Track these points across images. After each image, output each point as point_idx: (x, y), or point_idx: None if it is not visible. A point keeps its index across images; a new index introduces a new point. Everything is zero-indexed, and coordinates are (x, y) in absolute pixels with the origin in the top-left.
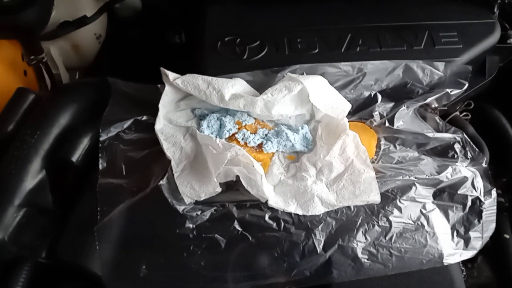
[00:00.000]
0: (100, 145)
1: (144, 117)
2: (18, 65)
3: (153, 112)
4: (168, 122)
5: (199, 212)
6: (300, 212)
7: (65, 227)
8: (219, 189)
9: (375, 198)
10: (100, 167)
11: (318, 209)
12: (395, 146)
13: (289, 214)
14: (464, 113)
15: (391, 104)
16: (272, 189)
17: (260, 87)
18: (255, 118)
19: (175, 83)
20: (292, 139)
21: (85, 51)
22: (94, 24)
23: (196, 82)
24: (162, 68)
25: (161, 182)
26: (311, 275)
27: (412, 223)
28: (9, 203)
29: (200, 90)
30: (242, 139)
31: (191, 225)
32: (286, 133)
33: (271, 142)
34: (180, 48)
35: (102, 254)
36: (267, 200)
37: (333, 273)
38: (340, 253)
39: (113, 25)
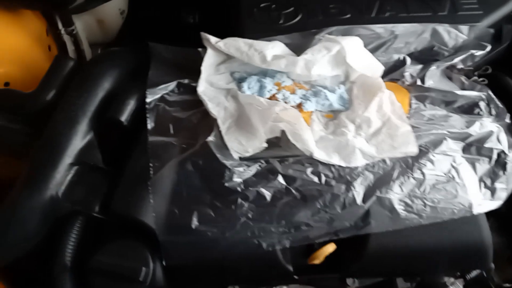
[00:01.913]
0: (147, 106)
1: (186, 80)
2: (43, 40)
3: (194, 75)
4: (209, 85)
5: (245, 167)
6: (343, 164)
7: (117, 182)
8: (265, 144)
9: (413, 149)
10: (149, 126)
11: (359, 161)
12: (424, 105)
13: (330, 168)
14: (481, 79)
15: (420, 66)
16: (315, 144)
17: (297, 49)
18: (293, 80)
19: (217, 45)
20: (330, 98)
21: (109, 26)
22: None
23: (237, 45)
24: (202, 33)
25: (208, 139)
26: (351, 226)
27: (444, 175)
28: (61, 161)
29: (242, 52)
30: (282, 99)
31: (238, 179)
32: (324, 93)
33: (310, 101)
34: (194, 29)
35: (155, 207)
36: (312, 154)
37: (371, 224)
38: (378, 204)
39: (132, 1)
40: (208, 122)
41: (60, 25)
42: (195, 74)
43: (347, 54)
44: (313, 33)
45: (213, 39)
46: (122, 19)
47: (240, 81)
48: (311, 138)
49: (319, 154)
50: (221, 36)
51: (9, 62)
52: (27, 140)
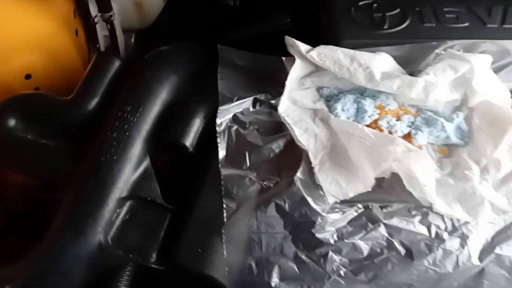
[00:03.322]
0: (217, 128)
1: (264, 96)
2: (70, 23)
3: (273, 88)
4: (292, 103)
5: (339, 214)
6: (468, 219)
7: (180, 224)
8: (370, 188)
9: None
10: (220, 155)
11: (487, 215)
12: None
13: (442, 218)
14: None
15: None
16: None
17: (406, 64)
18: (397, 102)
19: (309, 56)
20: (447, 128)
21: (148, 10)
22: None
23: (336, 56)
24: (288, 37)
25: (296, 175)
26: (459, 286)
27: None
28: (111, 195)
29: (342, 66)
30: (386, 127)
31: (331, 229)
32: (441, 122)
33: (421, 131)
34: (233, 12)
35: (229, 260)
36: (433, 205)
37: (483, 284)
38: (496, 263)
39: None
40: (294, 153)
41: (94, 10)
42: (274, 87)
43: (475, 76)
44: (432, 46)
45: (302, 46)
46: (164, 1)
47: (328, 98)
48: (432, 186)
49: (441, 206)
50: (278, 34)
51: (32, 49)
52: (65, 161)
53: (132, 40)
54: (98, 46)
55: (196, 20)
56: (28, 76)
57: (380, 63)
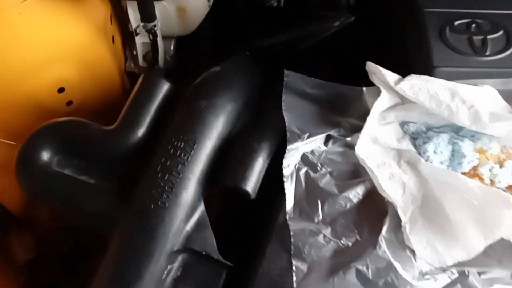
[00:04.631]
0: (284, 171)
1: (337, 131)
2: (107, 30)
3: (347, 123)
4: (372, 141)
5: (431, 281)
6: None
7: (241, 286)
8: (473, 256)
9: None
10: (288, 204)
11: None
12: None
13: None
14: None
15: None
16: None
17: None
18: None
19: (399, 88)
20: None
21: (192, 16)
22: None
23: (433, 90)
24: (370, 64)
25: (381, 234)
26: None
27: None
28: (162, 249)
29: (441, 102)
30: (488, 176)
31: None
32: None
33: None
34: (276, 13)
35: None
36: None
37: None
38: None
39: None
40: (376, 204)
41: (134, 19)
42: (349, 120)
43: None
44: None
45: (390, 75)
46: (208, 7)
47: (415, 136)
48: None
49: None
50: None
51: (65, 61)
52: (108, 203)
53: (172, 48)
54: (135, 53)
55: (238, 24)
56: (61, 90)
57: (487, 100)
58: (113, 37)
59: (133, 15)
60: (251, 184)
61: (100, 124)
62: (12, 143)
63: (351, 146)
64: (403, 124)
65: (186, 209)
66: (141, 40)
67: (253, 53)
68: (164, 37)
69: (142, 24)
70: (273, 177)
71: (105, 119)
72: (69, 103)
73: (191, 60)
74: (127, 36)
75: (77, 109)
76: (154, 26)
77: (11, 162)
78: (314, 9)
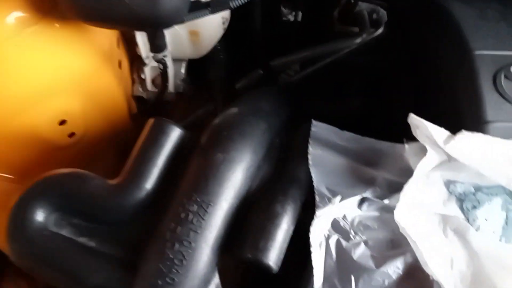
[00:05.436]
0: (311, 240)
1: (372, 193)
2: (113, 55)
3: (383, 182)
4: (413, 205)
5: None
6: None
7: None
8: None
9: None
10: (317, 281)
11: None
12: None
13: None
14: None
15: None
16: None
17: None
18: None
19: (449, 149)
20: None
21: (205, 40)
22: None
23: (489, 152)
24: (414, 116)
25: None
26: None
27: None
28: None
29: (498, 168)
30: None
31: None
32: None
33: None
34: (293, 27)
35: None
36: None
37: None
38: None
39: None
40: (420, 281)
41: (143, 45)
42: (385, 179)
43: None
44: None
45: (437, 132)
46: (223, 30)
47: (462, 197)
48: None
49: None
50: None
51: (68, 91)
52: (111, 273)
53: (183, 71)
54: (143, 77)
55: (253, 46)
56: (62, 122)
57: None
58: (120, 62)
59: (142, 41)
60: (273, 257)
61: (104, 178)
62: (11, 176)
63: (389, 209)
64: (448, 183)
65: (198, 283)
66: (150, 65)
67: (271, 77)
68: (174, 60)
69: (152, 55)
70: (299, 245)
71: (110, 147)
72: (72, 134)
73: (204, 91)
74: (135, 60)
75: (80, 140)
76: (165, 56)
77: (9, 198)
78: (334, 24)
